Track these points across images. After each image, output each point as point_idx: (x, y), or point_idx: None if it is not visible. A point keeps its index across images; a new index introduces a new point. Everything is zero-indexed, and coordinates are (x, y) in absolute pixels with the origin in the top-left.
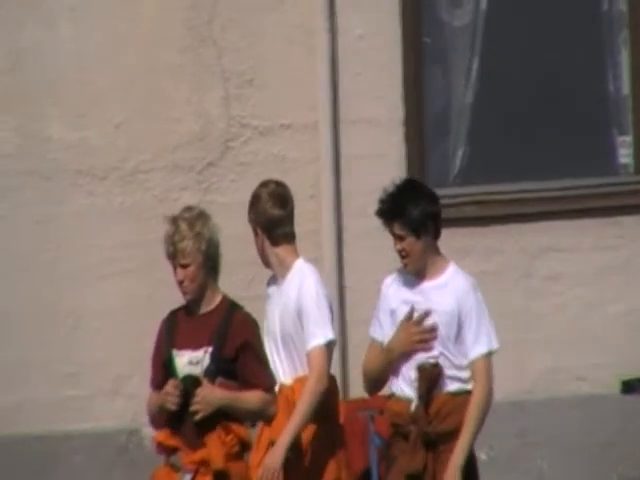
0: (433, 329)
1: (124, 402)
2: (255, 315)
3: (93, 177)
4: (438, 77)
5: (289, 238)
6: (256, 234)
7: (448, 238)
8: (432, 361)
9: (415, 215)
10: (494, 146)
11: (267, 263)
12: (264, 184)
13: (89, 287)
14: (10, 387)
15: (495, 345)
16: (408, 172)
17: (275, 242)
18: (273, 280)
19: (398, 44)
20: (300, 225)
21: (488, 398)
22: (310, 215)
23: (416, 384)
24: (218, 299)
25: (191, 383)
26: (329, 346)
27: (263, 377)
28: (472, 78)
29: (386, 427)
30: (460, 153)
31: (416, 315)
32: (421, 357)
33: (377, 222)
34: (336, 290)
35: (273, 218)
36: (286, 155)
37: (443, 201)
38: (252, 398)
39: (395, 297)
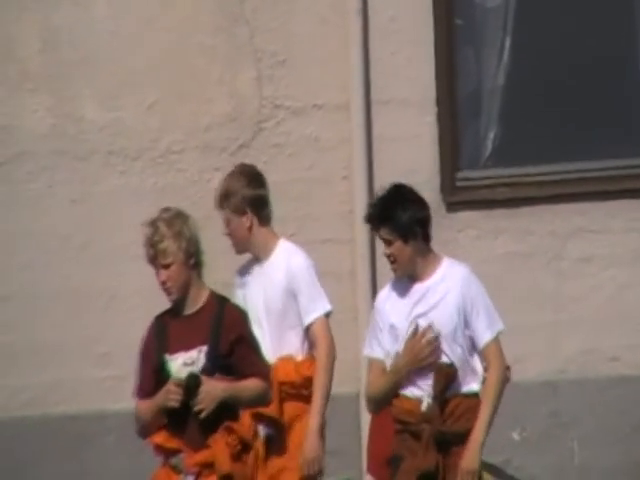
0: (437, 339)
1: None
2: None
3: (126, 157)
4: (470, 58)
5: (270, 219)
6: (242, 215)
7: (480, 220)
8: (448, 361)
9: (403, 220)
10: (526, 127)
11: (248, 246)
12: (233, 173)
13: (122, 267)
14: (44, 367)
15: (501, 326)
16: (440, 153)
17: (263, 222)
18: (247, 268)
19: (430, 25)
20: (333, 206)
21: (503, 378)
22: (343, 197)
23: (432, 383)
24: (205, 296)
25: (194, 381)
26: (328, 317)
27: (259, 366)
28: (504, 58)
29: None
30: (492, 134)
31: (420, 330)
32: (429, 370)
33: None
34: (369, 271)
35: (261, 197)
36: (318, 136)
37: (475, 182)
38: (252, 386)
39: (393, 311)
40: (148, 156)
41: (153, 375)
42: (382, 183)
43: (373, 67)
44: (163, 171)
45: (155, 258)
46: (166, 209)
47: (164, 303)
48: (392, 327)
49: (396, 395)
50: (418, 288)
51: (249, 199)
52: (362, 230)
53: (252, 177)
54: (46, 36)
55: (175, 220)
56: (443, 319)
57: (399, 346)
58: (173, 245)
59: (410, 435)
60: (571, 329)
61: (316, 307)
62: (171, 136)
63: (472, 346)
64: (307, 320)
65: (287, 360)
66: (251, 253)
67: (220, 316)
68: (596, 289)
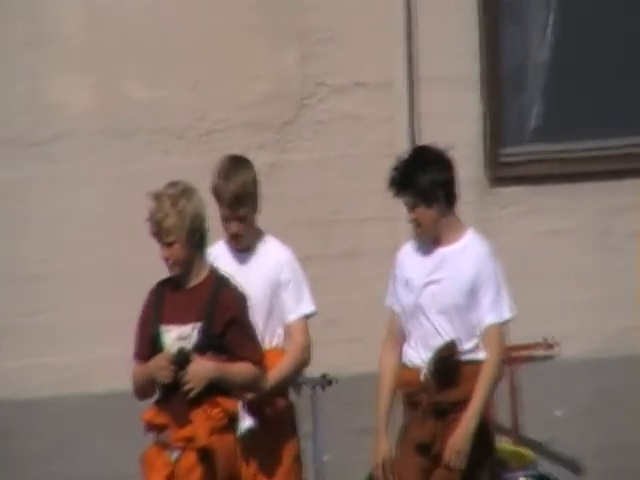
0: None
1: None
2: (335, 271)
3: (170, 136)
4: (515, 34)
5: None
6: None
7: (525, 196)
8: (450, 337)
9: (424, 184)
10: (571, 103)
11: (249, 240)
12: (226, 178)
13: None
14: (88, 346)
15: (510, 314)
16: (484, 130)
17: (257, 211)
18: (226, 257)
19: (474, 1)
20: (376, 184)
21: (500, 366)
22: (386, 174)
23: (431, 355)
24: (205, 273)
25: (183, 358)
26: (308, 318)
27: (252, 350)
28: (549, 34)
29: None
30: (536, 110)
31: None
32: (435, 341)
33: None
34: None
35: (257, 182)
36: (362, 114)
37: (519, 158)
38: (244, 370)
39: (411, 267)
40: (192, 134)
41: (149, 342)
42: None
43: (416, 44)
44: (207, 149)
45: (158, 234)
46: (173, 183)
47: None
48: (407, 281)
49: (401, 366)
50: (438, 253)
51: (256, 196)
52: (405, 207)
53: (251, 174)
54: (90, 15)
55: (180, 197)
56: (455, 290)
57: (412, 300)
58: (177, 223)
59: (412, 406)
60: (616, 306)
61: (301, 307)
62: (215, 114)
63: (471, 320)
64: (288, 318)
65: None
66: (245, 244)
67: (216, 295)
68: None
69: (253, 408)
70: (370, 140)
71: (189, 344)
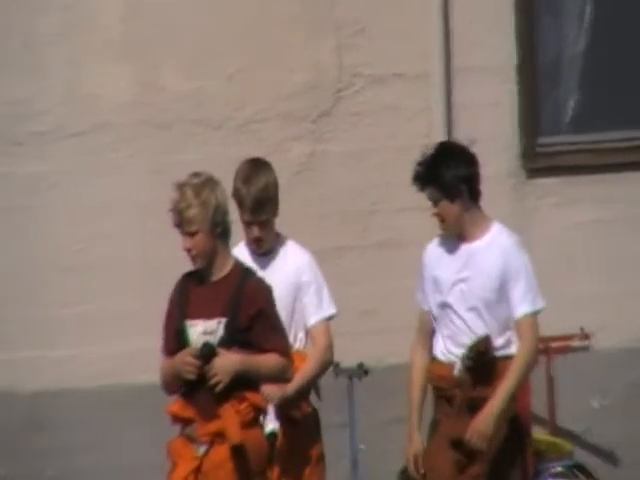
0: None
1: None
2: (372, 262)
3: (207, 127)
4: (550, 24)
5: None
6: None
7: (561, 187)
8: (483, 333)
9: (447, 179)
10: (607, 93)
11: (270, 242)
12: (247, 182)
13: None
14: (126, 336)
15: (541, 304)
16: (520, 120)
17: (277, 215)
18: (246, 260)
19: None
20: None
21: (533, 356)
22: None
23: (465, 351)
24: (230, 265)
25: (209, 352)
26: (329, 320)
27: (278, 342)
28: (585, 25)
29: None
30: (572, 100)
31: None
32: (467, 338)
33: (491, 170)
34: None
35: (277, 186)
36: (398, 104)
37: (555, 149)
38: (270, 361)
39: (438, 265)
40: (230, 125)
41: (175, 335)
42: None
43: (453, 35)
44: (244, 140)
45: (180, 225)
46: (196, 174)
47: None
48: (435, 280)
49: (432, 359)
50: (465, 249)
51: (276, 200)
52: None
53: (270, 178)
54: (129, 5)
55: (204, 187)
56: (484, 286)
57: (441, 299)
58: (199, 213)
59: (445, 400)
60: None
61: (324, 308)
62: (253, 105)
63: (502, 315)
64: (311, 320)
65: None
66: (266, 247)
67: (241, 288)
68: None
69: (277, 412)
70: (406, 131)
71: (215, 339)
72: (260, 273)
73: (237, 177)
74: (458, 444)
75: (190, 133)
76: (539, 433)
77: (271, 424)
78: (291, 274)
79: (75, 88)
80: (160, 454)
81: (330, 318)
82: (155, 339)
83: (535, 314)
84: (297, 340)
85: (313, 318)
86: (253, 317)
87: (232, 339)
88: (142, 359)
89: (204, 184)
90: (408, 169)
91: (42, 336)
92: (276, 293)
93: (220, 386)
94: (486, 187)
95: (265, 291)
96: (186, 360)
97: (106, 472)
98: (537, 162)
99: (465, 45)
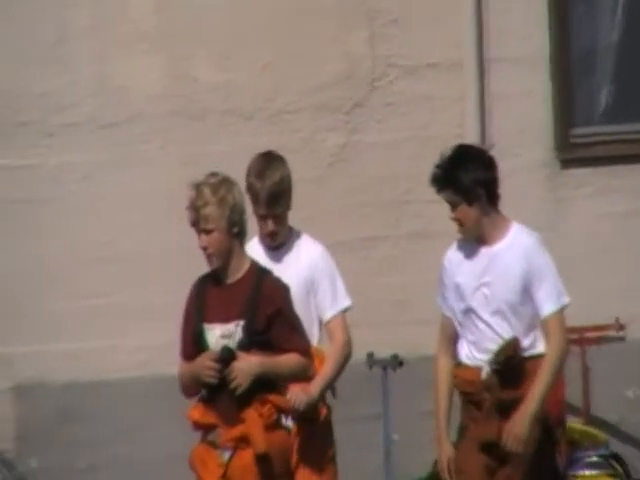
0: None
1: None
2: (406, 252)
3: (240, 118)
4: (584, 14)
5: None
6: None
7: (595, 177)
8: (511, 335)
9: (465, 182)
10: None
11: (280, 236)
12: (261, 176)
13: None
14: (157, 328)
15: (566, 300)
16: (554, 110)
17: (290, 208)
18: (259, 255)
19: None
20: None
21: (563, 354)
22: None
23: (493, 354)
24: (246, 266)
25: (228, 355)
26: (345, 312)
27: (297, 341)
28: (618, 15)
29: None
30: (606, 91)
31: None
32: (492, 342)
33: (524, 161)
34: None
35: (291, 180)
36: (432, 94)
37: (589, 139)
38: (290, 361)
39: (459, 270)
40: (262, 116)
41: (193, 339)
42: (495, 141)
43: (486, 25)
44: (277, 131)
45: (197, 222)
46: (213, 174)
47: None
48: (457, 286)
49: (457, 364)
50: (485, 253)
51: (290, 192)
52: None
53: (283, 168)
54: None
55: (220, 186)
56: (507, 289)
57: (464, 305)
58: (216, 211)
59: (473, 405)
60: None
61: (340, 302)
62: (285, 96)
63: (528, 315)
64: (327, 315)
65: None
66: (280, 241)
67: (258, 289)
68: None
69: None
70: (440, 121)
71: (233, 342)
72: (274, 267)
73: (250, 171)
74: (488, 447)
75: (222, 124)
76: (573, 422)
77: (285, 421)
78: (305, 268)
79: (107, 80)
80: (190, 447)
81: (346, 310)
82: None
83: (561, 311)
84: (311, 335)
85: (329, 312)
86: (271, 317)
87: (251, 341)
88: (172, 351)
89: (221, 183)
90: None
91: (73, 328)
92: (290, 287)
93: (240, 390)
94: (520, 178)
95: (283, 290)
96: (206, 364)
97: (138, 463)
98: (571, 152)
99: (498, 35)
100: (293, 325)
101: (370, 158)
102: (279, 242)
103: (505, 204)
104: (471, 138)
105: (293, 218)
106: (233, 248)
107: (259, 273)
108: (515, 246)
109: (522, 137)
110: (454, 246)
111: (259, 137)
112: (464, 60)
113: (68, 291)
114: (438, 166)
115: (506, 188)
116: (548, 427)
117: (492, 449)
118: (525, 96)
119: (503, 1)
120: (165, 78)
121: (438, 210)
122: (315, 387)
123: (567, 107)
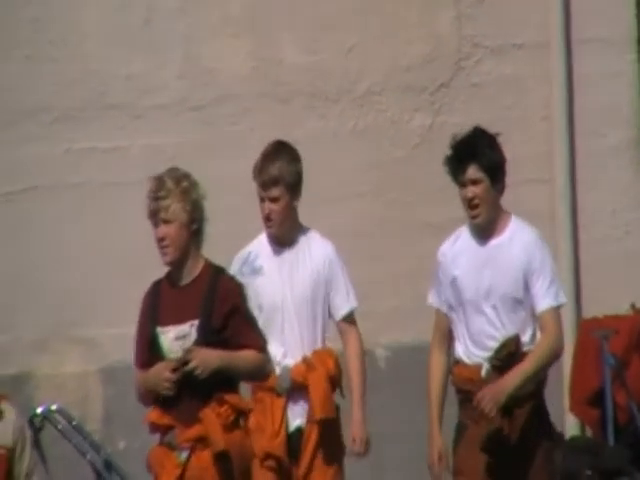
0: None
1: None
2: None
3: (326, 100)
4: None
5: None
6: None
7: None
8: (512, 333)
9: (493, 157)
10: None
11: (287, 229)
12: (265, 158)
13: (323, 209)
14: None
15: (564, 299)
16: None
17: (297, 200)
18: (267, 253)
19: None
20: (532, 147)
21: (556, 347)
22: (542, 136)
23: (492, 353)
24: (200, 267)
25: (185, 362)
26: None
27: (255, 338)
28: None
29: (621, 347)
30: None
31: None
32: (491, 337)
33: (611, 141)
34: (569, 211)
35: (300, 174)
36: (518, 75)
37: None
38: (249, 356)
39: (455, 264)
40: (348, 98)
41: (147, 346)
42: (582, 123)
43: (574, 5)
44: (363, 113)
45: (157, 213)
46: (174, 168)
47: (363, 245)
48: (454, 280)
49: (456, 362)
50: (484, 246)
51: (292, 180)
52: (562, 170)
53: (289, 153)
54: None
55: (183, 180)
56: (507, 284)
57: (462, 299)
58: (178, 203)
59: (471, 403)
60: None
61: (350, 301)
62: (371, 78)
63: (526, 311)
64: (341, 313)
65: (324, 355)
66: (281, 236)
67: (214, 288)
68: None
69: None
70: (526, 102)
71: (188, 343)
72: (283, 265)
73: (260, 155)
74: (492, 444)
75: (308, 106)
76: None
77: (298, 419)
78: (314, 266)
79: (194, 62)
80: None
81: (352, 311)
82: None
83: (558, 308)
84: (319, 335)
85: (342, 311)
86: (228, 314)
87: (206, 341)
88: None
89: (184, 177)
90: (527, 140)
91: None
92: (300, 285)
93: (199, 371)
94: (606, 158)
95: (238, 287)
96: (163, 376)
97: None
98: None
99: (585, 16)
100: (249, 321)
101: None
102: (278, 233)
103: (591, 183)
104: (558, 120)
105: (379, 200)
106: (189, 247)
107: (214, 272)
108: (515, 241)
109: (609, 118)
110: (450, 239)
111: (346, 119)
112: (551, 41)
113: (150, 275)
114: (460, 142)
115: (592, 168)
116: (545, 420)
117: (492, 448)
118: (612, 77)
119: None
120: (252, 60)
121: (524, 192)
122: (356, 401)
123: None
